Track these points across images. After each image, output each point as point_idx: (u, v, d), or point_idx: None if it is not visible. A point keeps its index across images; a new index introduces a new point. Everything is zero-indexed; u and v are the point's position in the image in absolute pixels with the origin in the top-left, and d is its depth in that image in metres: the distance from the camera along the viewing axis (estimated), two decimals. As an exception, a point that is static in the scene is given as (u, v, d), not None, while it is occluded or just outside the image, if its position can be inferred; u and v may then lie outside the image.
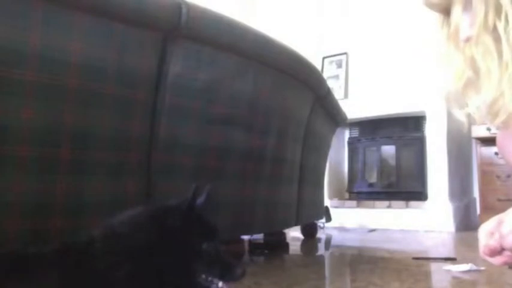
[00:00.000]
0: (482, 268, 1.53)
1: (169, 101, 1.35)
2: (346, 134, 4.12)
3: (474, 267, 1.51)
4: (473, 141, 3.61)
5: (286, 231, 2.26)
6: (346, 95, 4.00)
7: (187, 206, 0.78)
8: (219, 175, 1.55)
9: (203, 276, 0.77)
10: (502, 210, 0.85)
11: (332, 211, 3.09)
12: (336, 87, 3.98)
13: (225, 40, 1.48)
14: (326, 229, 3.23)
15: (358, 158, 3.98)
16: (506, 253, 0.83)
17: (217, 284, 0.77)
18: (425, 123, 3.54)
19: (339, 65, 4.12)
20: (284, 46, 1.74)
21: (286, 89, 1.83)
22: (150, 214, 0.79)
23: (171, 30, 1.31)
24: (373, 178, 3.88)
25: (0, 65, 1.01)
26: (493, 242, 0.83)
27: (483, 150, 3.45)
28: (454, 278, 1.44)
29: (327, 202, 3.39)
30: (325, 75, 3.87)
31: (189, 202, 0.78)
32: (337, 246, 2.58)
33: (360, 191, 3.91)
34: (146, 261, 0.73)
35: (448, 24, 0.81)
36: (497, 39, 0.70)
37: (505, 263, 0.86)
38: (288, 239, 2.31)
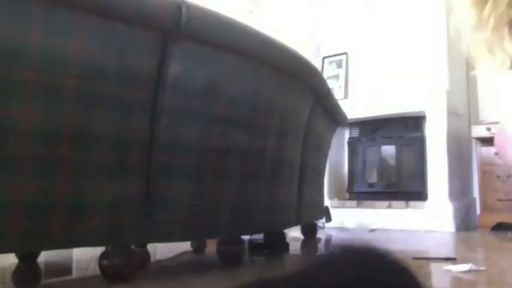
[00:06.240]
0: (482, 268, 1.52)
1: (169, 101, 1.35)
2: (346, 134, 4.12)
3: (474, 267, 1.51)
4: (473, 141, 3.61)
5: (286, 231, 2.25)
6: (346, 95, 4.00)
7: None
8: (219, 175, 1.55)
9: None
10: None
11: (332, 211, 3.08)
12: (336, 87, 3.98)
13: (225, 40, 1.48)
14: (326, 229, 3.22)
15: (358, 158, 3.98)
16: None
17: None
18: (425, 123, 3.54)
19: (339, 65, 4.12)
20: (284, 46, 1.74)
21: (286, 89, 1.83)
22: None
23: (171, 30, 1.31)
24: (373, 178, 3.88)
25: (0, 64, 1.01)
26: None
27: (483, 150, 3.45)
28: (454, 278, 1.44)
29: (327, 202, 3.39)
30: (325, 75, 3.87)
31: None
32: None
33: (360, 191, 3.91)
34: None
35: None
36: None
37: None
38: (288, 239, 2.30)
